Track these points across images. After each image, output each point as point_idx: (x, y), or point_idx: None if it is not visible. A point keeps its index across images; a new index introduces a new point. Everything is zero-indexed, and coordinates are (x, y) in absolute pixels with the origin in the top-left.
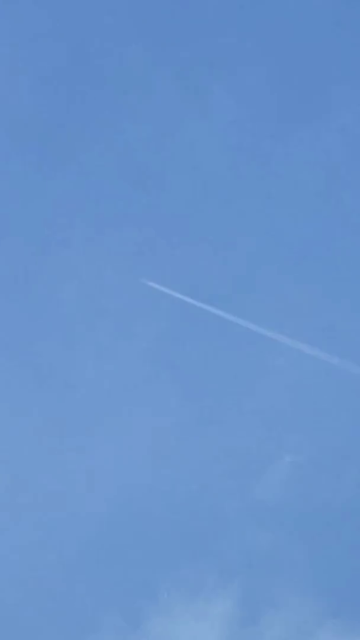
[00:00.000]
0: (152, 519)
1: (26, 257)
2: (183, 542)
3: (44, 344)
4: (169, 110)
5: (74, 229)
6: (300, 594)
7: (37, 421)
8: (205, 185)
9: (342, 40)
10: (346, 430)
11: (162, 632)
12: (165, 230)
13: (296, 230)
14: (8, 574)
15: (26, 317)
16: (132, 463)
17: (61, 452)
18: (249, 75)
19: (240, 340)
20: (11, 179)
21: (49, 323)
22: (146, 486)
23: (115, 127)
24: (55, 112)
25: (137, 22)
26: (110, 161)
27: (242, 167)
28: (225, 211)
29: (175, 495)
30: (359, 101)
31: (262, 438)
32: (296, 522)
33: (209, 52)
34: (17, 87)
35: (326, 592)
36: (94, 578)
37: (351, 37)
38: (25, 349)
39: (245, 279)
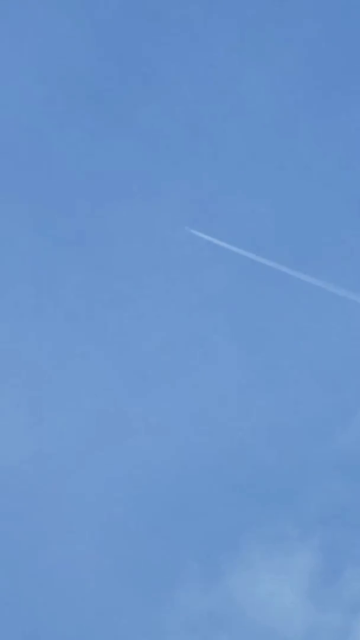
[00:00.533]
0: (233, 473)
1: (83, 214)
2: (264, 495)
3: (101, 301)
4: (224, 65)
5: (130, 185)
6: None
7: (99, 378)
8: (263, 141)
9: None
10: None
11: (242, 585)
12: (222, 186)
13: None
14: (95, 526)
15: (82, 273)
16: (206, 417)
17: (127, 411)
18: (310, 30)
19: (304, 295)
20: (68, 135)
21: (105, 278)
22: (223, 440)
23: (170, 83)
24: (109, 70)
25: None
26: (165, 117)
27: (302, 123)
28: (284, 165)
29: (254, 449)
30: None
31: (339, 390)
32: None
33: (270, 5)
34: (70, 47)
35: None
36: (176, 532)
37: None
38: (83, 307)
39: (307, 234)
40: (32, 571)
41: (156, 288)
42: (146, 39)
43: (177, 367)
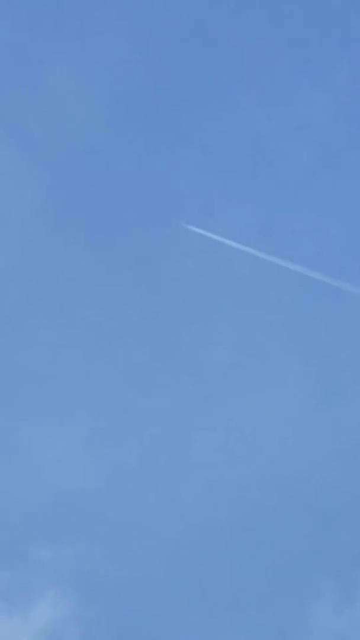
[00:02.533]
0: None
1: (145, 234)
2: None
3: (165, 322)
4: (285, 82)
5: (190, 204)
6: None
7: (162, 399)
8: (324, 156)
9: None
10: None
11: None
12: (284, 203)
13: None
14: (227, 537)
15: (144, 293)
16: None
17: (192, 432)
18: None
19: None
20: (127, 155)
21: (167, 299)
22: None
23: (229, 101)
24: (169, 89)
25: None
26: (226, 135)
27: None
28: (344, 181)
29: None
30: None
31: None
32: None
33: (327, 23)
34: (131, 66)
35: None
36: (312, 545)
37: None
38: (144, 328)
39: None
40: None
41: (220, 308)
42: (205, 58)
43: (242, 387)
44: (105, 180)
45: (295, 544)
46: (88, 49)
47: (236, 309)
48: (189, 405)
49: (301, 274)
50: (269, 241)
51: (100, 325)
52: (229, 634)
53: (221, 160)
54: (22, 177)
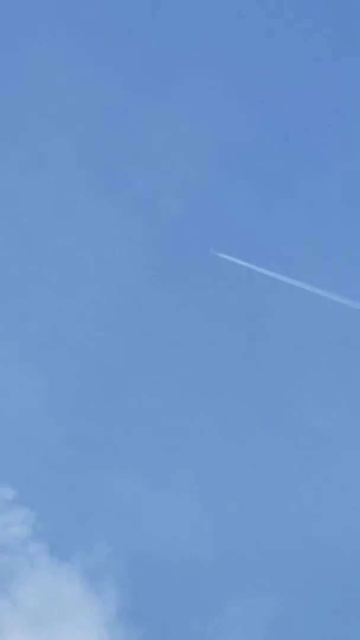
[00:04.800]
0: None
1: (253, 288)
2: None
3: (271, 375)
4: None
5: (299, 256)
6: None
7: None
8: None
9: None
10: None
11: None
12: None
13: None
14: None
15: (252, 348)
16: None
17: (299, 486)
18: None
19: None
20: (231, 207)
21: (275, 353)
22: None
23: (331, 151)
24: (270, 140)
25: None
26: (330, 187)
27: None
28: None
29: None
30: None
31: None
32: None
33: None
34: (232, 121)
35: None
36: None
37: None
38: (252, 380)
39: None
40: None
41: (325, 364)
42: (305, 112)
43: (350, 445)
44: (207, 232)
45: None
46: (191, 107)
47: (341, 366)
48: (294, 461)
49: None
50: None
51: (201, 379)
52: None
53: (322, 215)
54: (126, 231)
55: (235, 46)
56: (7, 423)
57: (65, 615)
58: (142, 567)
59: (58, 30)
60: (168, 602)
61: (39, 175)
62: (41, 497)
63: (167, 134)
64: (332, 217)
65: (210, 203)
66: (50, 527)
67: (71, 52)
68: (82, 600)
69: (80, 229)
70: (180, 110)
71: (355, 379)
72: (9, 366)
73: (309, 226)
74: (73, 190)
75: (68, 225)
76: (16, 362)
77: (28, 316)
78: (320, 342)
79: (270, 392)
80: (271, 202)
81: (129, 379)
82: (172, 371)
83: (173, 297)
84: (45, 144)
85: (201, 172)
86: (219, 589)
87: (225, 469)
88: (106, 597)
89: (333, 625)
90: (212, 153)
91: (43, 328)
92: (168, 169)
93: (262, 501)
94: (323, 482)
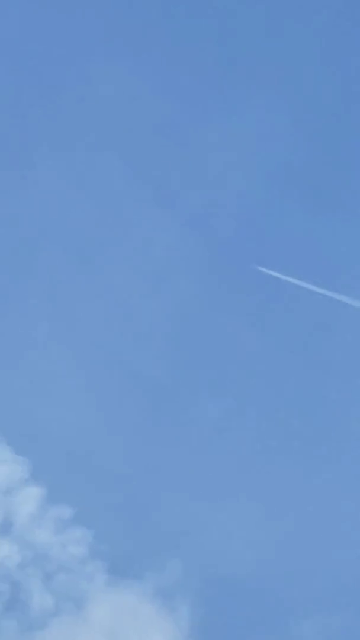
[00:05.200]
0: None
1: (312, 315)
2: None
3: (330, 399)
4: None
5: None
6: None
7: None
8: None
9: None
10: None
11: None
12: None
13: None
14: None
15: (313, 372)
16: None
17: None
18: None
19: None
20: (286, 225)
21: (333, 378)
22: None
23: None
24: (324, 160)
25: None
26: None
27: None
28: None
29: None
30: None
31: None
32: None
33: None
34: (288, 139)
35: None
36: None
37: None
38: (311, 403)
39: None
40: None
41: None
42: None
43: None
44: (265, 251)
45: None
46: (246, 125)
47: None
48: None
49: None
50: None
51: (255, 395)
52: None
53: None
54: (183, 249)
55: (292, 66)
56: (63, 443)
57: (139, 632)
58: (213, 585)
59: (116, 48)
60: (238, 620)
61: (94, 193)
62: (98, 516)
63: (224, 153)
64: None
65: (264, 221)
66: (107, 546)
67: (130, 69)
68: (154, 618)
69: (134, 246)
70: (237, 129)
71: None
72: (64, 385)
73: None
74: (128, 208)
75: (121, 242)
76: (72, 381)
77: (83, 335)
78: None
79: (326, 407)
80: (327, 220)
81: (184, 396)
82: (227, 387)
83: (227, 316)
84: (100, 161)
85: (255, 190)
86: (289, 607)
87: (289, 484)
88: (179, 614)
89: None
90: (267, 171)
91: (98, 347)
92: (222, 187)
93: (328, 518)
94: None
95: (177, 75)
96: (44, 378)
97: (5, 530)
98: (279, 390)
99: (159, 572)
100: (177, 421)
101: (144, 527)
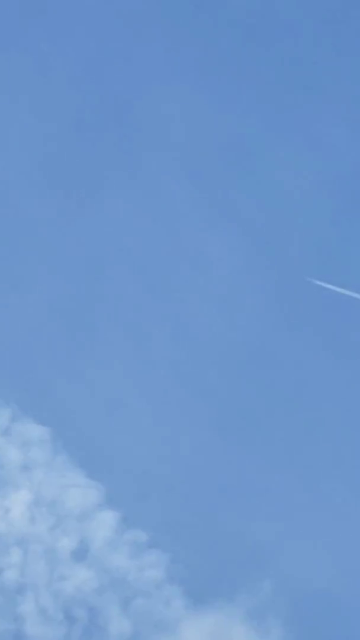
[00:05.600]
0: None
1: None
2: None
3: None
4: None
5: None
6: None
7: None
8: None
9: None
10: None
11: None
12: None
13: None
14: None
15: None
16: None
17: None
18: None
19: None
20: (352, 241)
21: None
22: None
23: None
24: None
25: None
26: None
27: None
28: None
29: None
30: None
31: None
32: None
33: None
34: (353, 153)
35: None
36: None
37: None
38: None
39: None
40: None
41: None
42: None
43: None
44: (333, 269)
45: None
46: (310, 139)
47: None
48: None
49: None
50: None
51: (327, 415)
52: None
53: None
54: (252, 270)
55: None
56: (137, 465)
57: None
58: (306, 602)
59: (180, 67)
60: (335, 637)
61: (160, 214)
62: (174, 540)
63: (291, 171)
64: None
65: (334, 240)
66: (184, 569)
67: (193, 87)
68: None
69: (201, 268)
70: (305, 145)
71: None
72: (139, 409)
73: None
74: (194, 229)
75: (189, 264)
76: (144, 404)
77: (154, 358)
78: None
79: None
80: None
81: (258, 418)
82: (302, 407)
83: (298, 336)
84: (166, 182)
85: (325, 209)
86: None
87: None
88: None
89: None
90: (337, 189)
91: (170, 369)
92: (291, 205)
93: None
94: None
95: (242, 91)
96: (116, 401)
97: (82, 556)
98: (354, 411)
99: (248, 593)
100: (249, 443)
101: (224, 548)
